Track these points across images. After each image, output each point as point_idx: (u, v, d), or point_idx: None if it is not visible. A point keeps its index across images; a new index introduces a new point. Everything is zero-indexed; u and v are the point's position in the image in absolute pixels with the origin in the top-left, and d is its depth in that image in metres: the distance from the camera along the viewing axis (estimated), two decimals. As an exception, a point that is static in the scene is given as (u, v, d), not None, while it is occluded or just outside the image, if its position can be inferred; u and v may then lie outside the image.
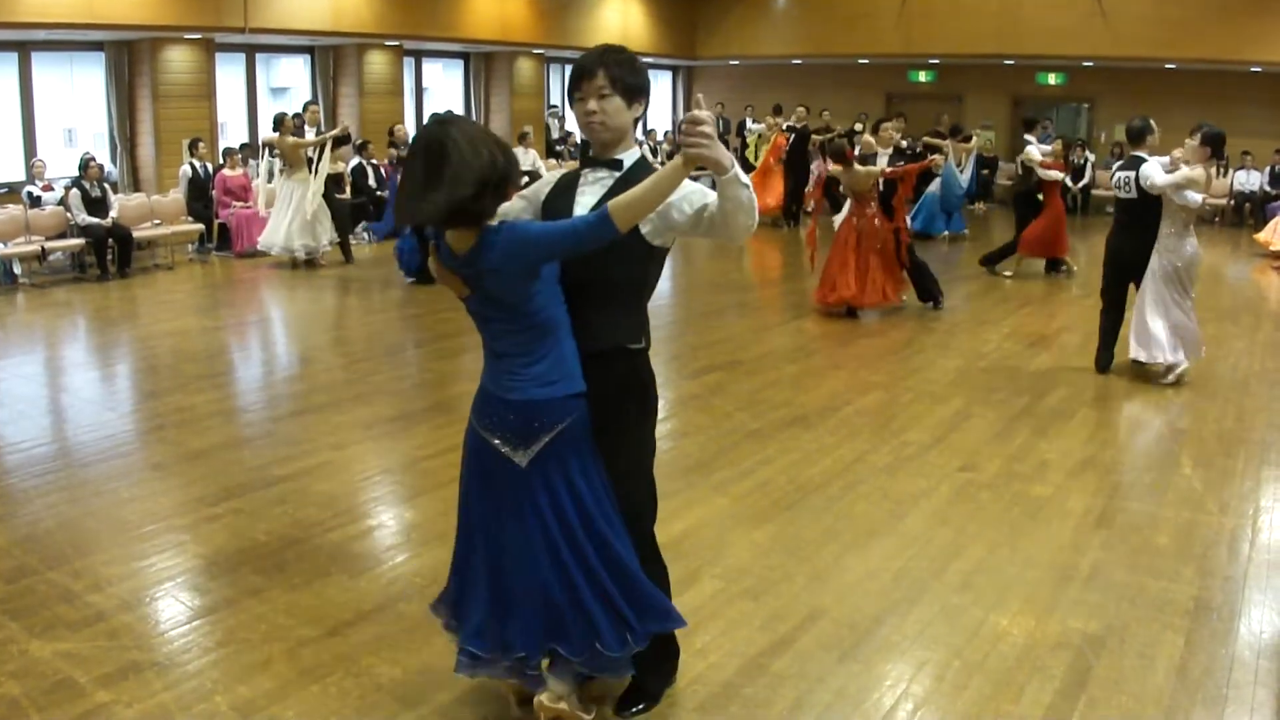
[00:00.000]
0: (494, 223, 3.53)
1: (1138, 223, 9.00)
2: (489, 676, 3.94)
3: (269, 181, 15.20)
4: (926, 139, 18.96)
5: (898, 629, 4.75)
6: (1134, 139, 9.15)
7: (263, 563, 5.38)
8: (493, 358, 3.76)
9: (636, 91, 3.79)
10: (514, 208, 3.91)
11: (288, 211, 14.52)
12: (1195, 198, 8.54)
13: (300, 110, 15.42)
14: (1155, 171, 8.69)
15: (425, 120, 3.59)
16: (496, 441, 3.71)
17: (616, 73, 3.70)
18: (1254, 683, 4.33)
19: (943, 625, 4.79)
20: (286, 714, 4.05)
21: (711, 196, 3.61)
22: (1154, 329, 8.91)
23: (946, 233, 18.47)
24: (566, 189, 3.90)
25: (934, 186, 18.25)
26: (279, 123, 14.34)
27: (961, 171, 18.29)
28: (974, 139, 19.18)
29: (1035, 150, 14.31)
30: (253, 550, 5.53)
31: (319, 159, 14.66)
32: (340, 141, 15.59)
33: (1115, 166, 9.45)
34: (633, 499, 3.93)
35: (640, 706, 4.11)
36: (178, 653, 4.49)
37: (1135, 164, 8.91)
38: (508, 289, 3.55)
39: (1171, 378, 8.89)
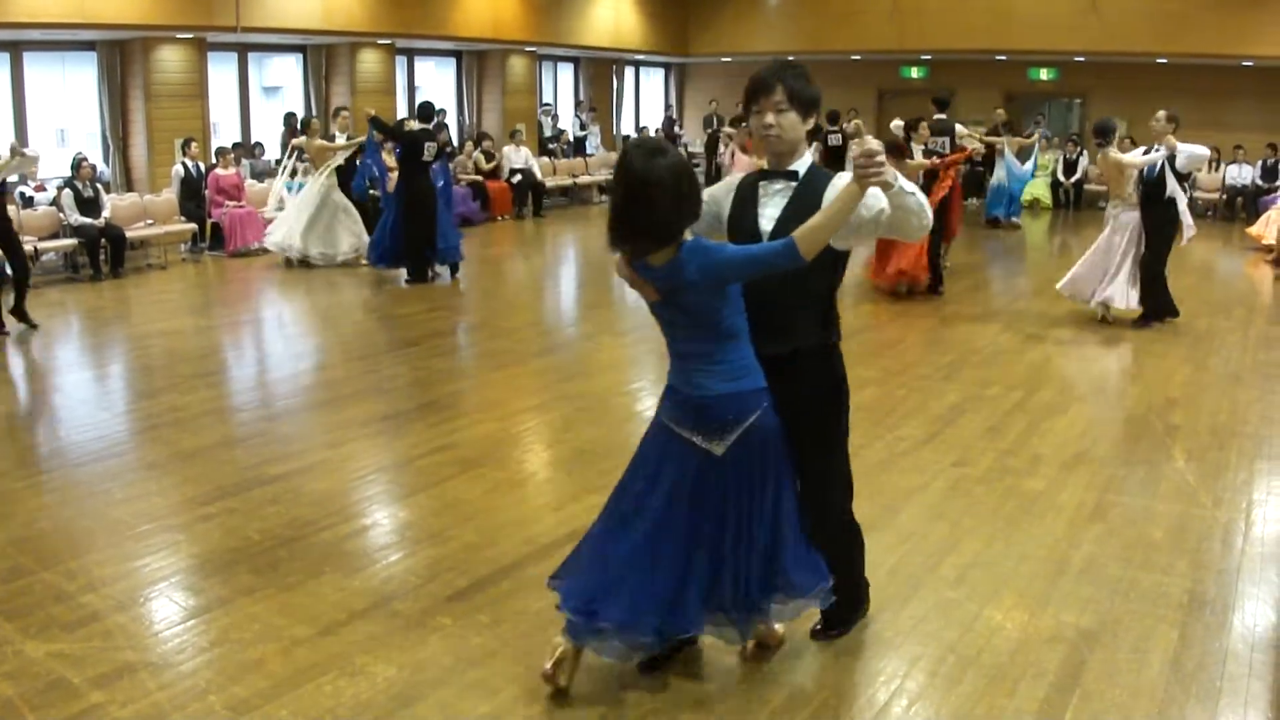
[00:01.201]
0: (687, 238, 3.83)
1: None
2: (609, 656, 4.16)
3: (289, 181, 15.15)
4: (985, 136, 19.32)
5: (892, 624, 4.75)
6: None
7: (256, 562, 5.38)
8: (677, 358, 4.14)
9: (811, 105, 4.05)
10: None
11: (306, 214, 14.44)
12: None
13: (308, 114, 15.37)
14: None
15: (628, 147, 3.86)
16: (695, 437, 4.03)
17: (794, 87, 3.95)
18: (1248, 676, 4.34)
19: (937, 620, 4.79)
20: (280, 713, 4.05)
21: (884, 200, 3.86)
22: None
23: (1003, 219, 19.63)
24: (748, 202, 4.18)
25: (999, 176, 19.47)
26: (306, 125, 14.27)
27: (1023, 164, 19.83)
28: (1033, 134, 20.72)
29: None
30: (246, 550, 5.53)
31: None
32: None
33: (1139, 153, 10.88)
34: (841, 479, 4.47)
35: (835, 631, 4.57)
36: (172, 653, 4.49)
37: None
38: (699, 302, 3.88)
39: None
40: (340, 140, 14.88)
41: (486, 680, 4.27)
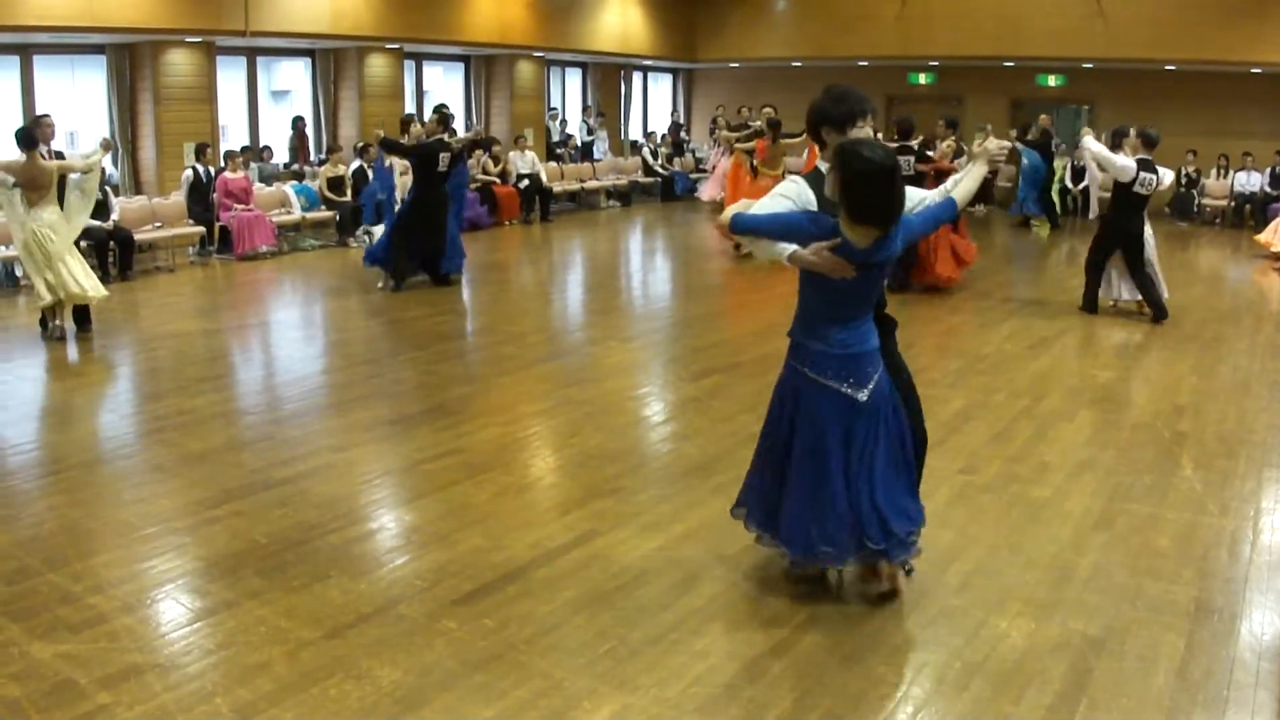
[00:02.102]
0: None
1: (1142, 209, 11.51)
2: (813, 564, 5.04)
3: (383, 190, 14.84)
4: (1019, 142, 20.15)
5: (898, 631, 4.75)
6: (1151, 144, 11.38)
7: (263, 565, 5.38)
8: (837, 324, 4.76)
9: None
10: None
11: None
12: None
13: (409, 113, 15.25)
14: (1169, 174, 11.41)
15: (848, 148, 4.55)
16: (844, 388, 4.75)
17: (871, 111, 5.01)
18: (1255, 685, 4.33)
19: (943, 627, 4.79)
20: (286, 716, 4.05)
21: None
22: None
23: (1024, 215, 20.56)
24: None
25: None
26: (406, 125, 13.85)
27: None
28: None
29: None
30: (253, 552, 5.53)
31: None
32: (476, 146, 15.60)
33: (1139, 166, 11.27)
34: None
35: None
36: (178, 655, 4.50)
37: (1153, 167, 11.21)
38: (885, 271, 4.77)
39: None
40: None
41: (492, 684, 4.27)
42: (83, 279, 10.37)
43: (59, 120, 15.87)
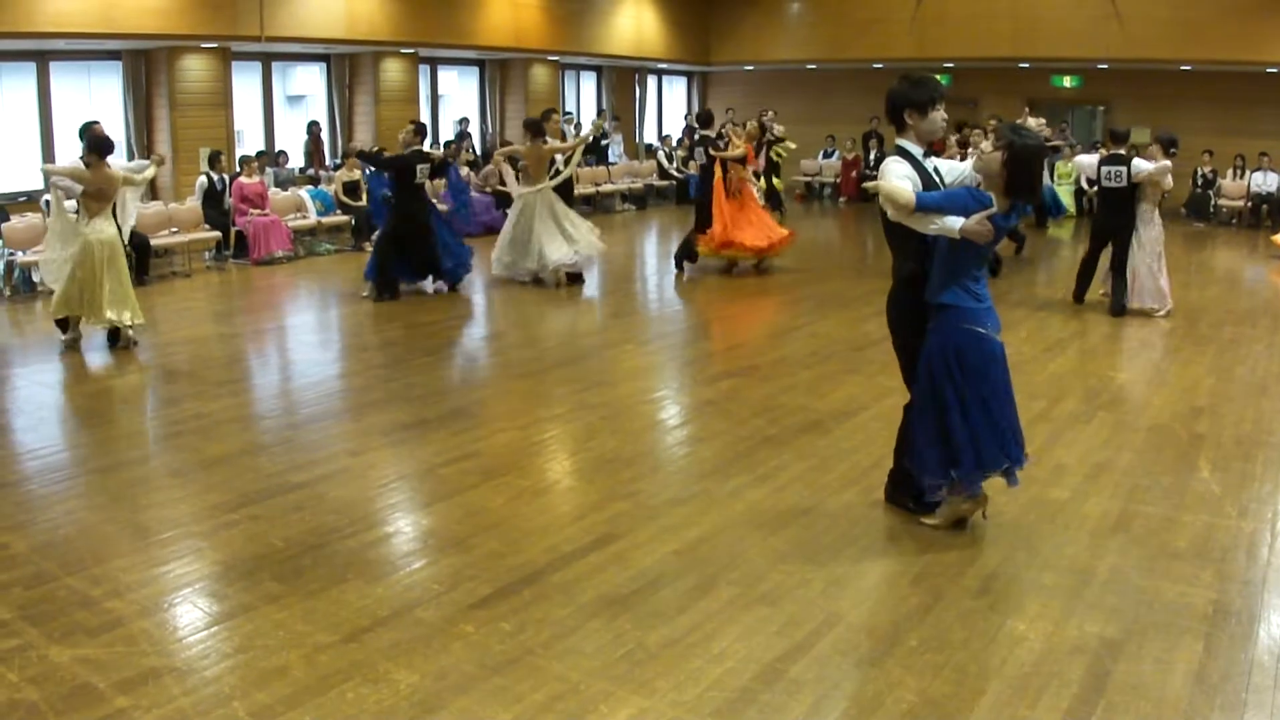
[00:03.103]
0: None
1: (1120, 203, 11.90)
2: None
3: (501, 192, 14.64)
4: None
5: (915, 634, 4.74)
6: (1120, 140, 12.11)
7: (280, 569, 5.40)
8: (977, 282, 5.59)
9: None
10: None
11: (534, 229, 13.69)
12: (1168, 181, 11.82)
13: (548, 110, 15.19)
14: (1144, 165, 11.70)
15: (1012, 130, 5.47)
16: (996, 334, 5.62)
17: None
18: (1273, 688, 4.32)
19: (960, 630, 4.78)
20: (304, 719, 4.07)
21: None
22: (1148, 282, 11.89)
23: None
24: (921, 168, 5.64)
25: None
26: (537, 127, 13.78)
27: None
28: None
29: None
30: (270, 556, 5.55)
31: (567, 166, 14.34)
32: (593, 146, 15.75)
33: (1101, 162, 12.11)
34: None
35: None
36: (196, 658, 4.51)
37: (1123, 160, 11.76)
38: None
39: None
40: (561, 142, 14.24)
41: (509, 688, 4.28)
42: (117, 308, 10.02)
43: (74, 127, 15.99)
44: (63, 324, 10.40)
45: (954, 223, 5.27)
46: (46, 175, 10.14)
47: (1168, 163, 11.80)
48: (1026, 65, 23.18)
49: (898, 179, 5.45)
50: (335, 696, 4.22)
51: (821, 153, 25.96)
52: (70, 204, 10.42)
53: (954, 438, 5.58)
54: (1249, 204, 21.13)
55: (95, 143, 10.02)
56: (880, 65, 24.51)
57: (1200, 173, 21.35)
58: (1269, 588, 5.27)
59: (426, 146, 13.53)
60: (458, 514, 6.16)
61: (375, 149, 17.71)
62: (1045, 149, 5.38)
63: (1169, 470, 6.94)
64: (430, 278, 13.37)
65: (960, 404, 5.56)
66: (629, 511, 6.16)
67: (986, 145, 14.27)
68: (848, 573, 5.39)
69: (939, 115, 5.61)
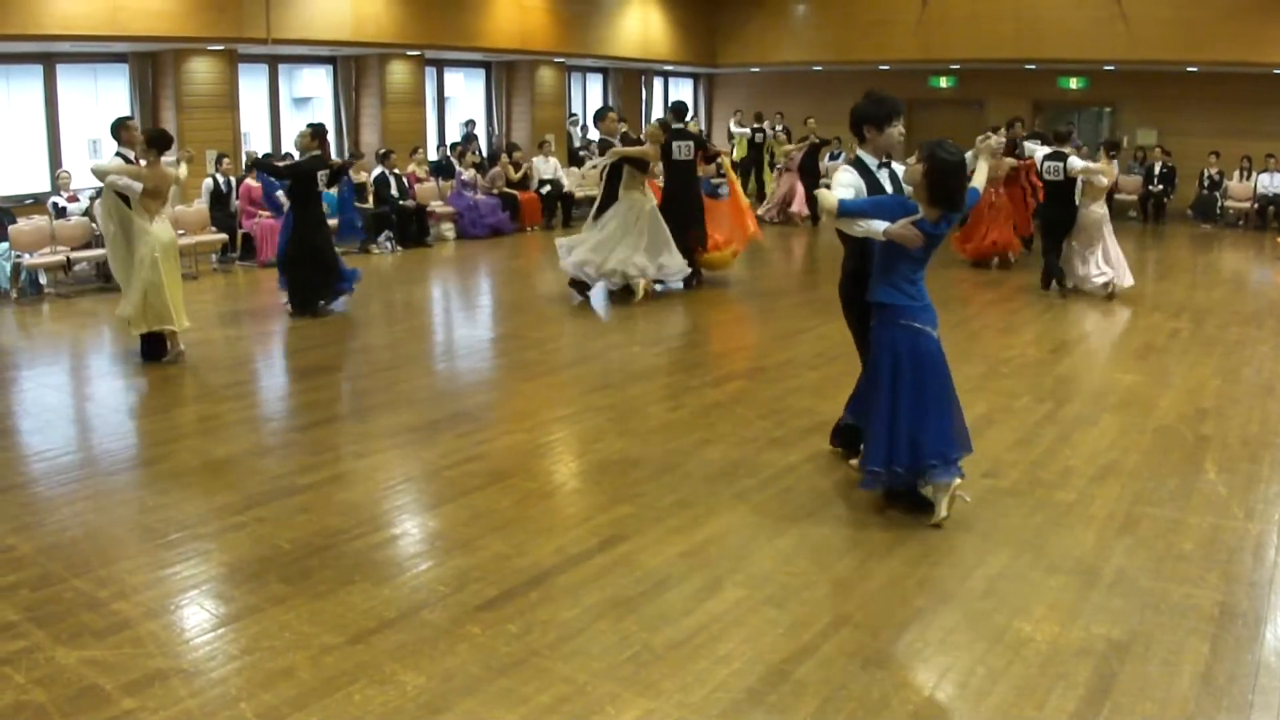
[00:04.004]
0: None
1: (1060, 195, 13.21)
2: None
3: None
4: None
5: (921, 635, 4.74)
6: (1062, 140, 13.67)
7: (286, 571, 5.40)
8: (915, 284, 6.04)
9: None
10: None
11: (628, 234, 12.72)
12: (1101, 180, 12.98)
13: (605, 105, 15.05)
14: (1077, 162, 12.94)
15: (934, 147, 5.86)
16: (935, 332, 6.07)
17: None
18: (1280, 689, 4.32)
19: (966, 631, 4.78)
20: (310, 721, 4.08)
21: None
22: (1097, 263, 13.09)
23: None
24: (870, 175, 6.26)
25: None
26: (601, 116, 13.09)
27: None
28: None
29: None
30: (276, 558, 5.56)
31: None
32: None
33: (1044, 158, 13.42)
34: None
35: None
36: (202, 660, 4.52)
37: (1063, 157, 13.04)
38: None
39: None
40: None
41: (515, 689, 4.28)
42: (179, 309, 9.78)
43: (81, 129, 16.04)
44: (153, 341, 9.86)
45: (878, 226, 5.82)
46: (102, 175, 9.60)
47: (1096, 165, 13.12)
48: (1032, 67, 23.14)
49: (838, 186, 6.08)
50: (342, 698, 4.22)
51: (828, 155, 25.92)
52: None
53: (896, 433, 5.99)
54: (1255, 205, 21.08)
55: (157, 138, 9.76)
56: (886, 67, 24.53)
57: (1206, 174, 21.33)
58: (1275, 589, 5.26)
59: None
60: (464, 516, 6.16)
61: (384, 151, 17.77)
62: (963, 164, 5.87)
63: (1175, 472, 6.93)
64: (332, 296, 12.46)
65: (900, 402, 6.00)
66: (635, 513, 6.17)
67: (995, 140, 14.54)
68: (854, 575, 5.39)
69: (896, 131, 6.27)
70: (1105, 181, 13.01)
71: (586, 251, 12.63)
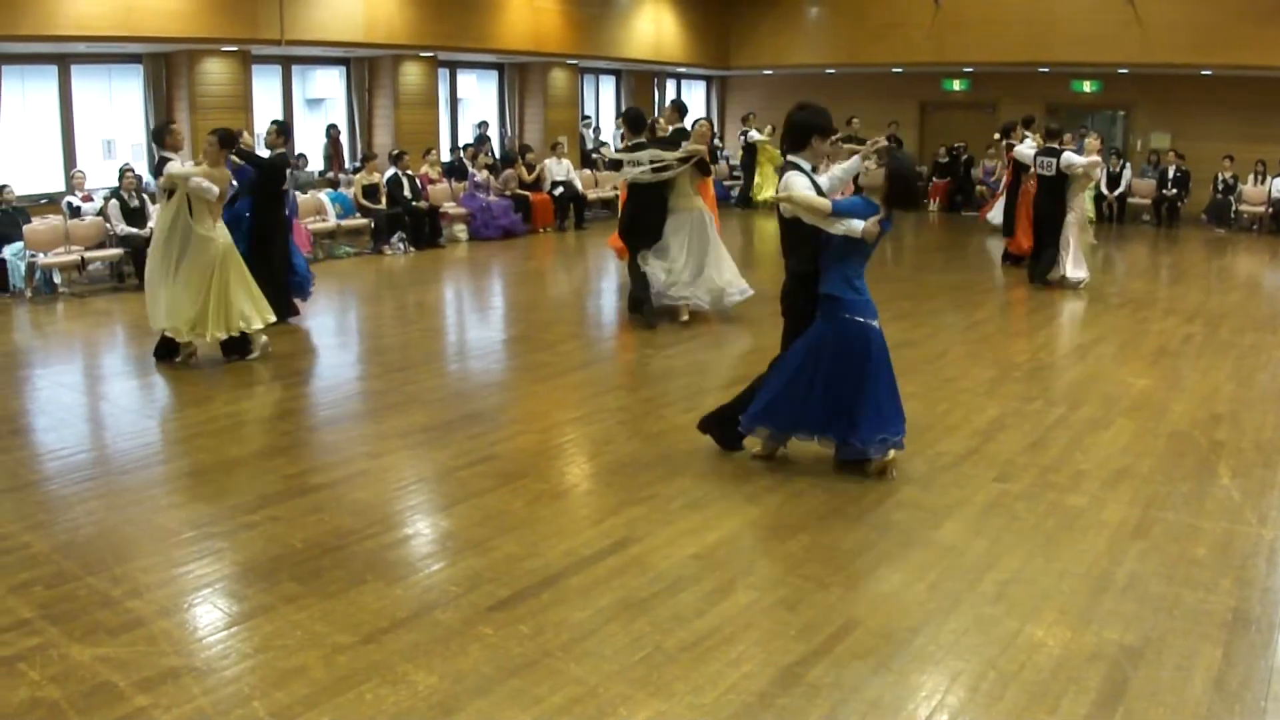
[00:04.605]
0: None
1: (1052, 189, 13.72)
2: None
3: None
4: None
5: (933, 639, 4.74)
6: (1053, 137, 14.01)
7: (299, 570, 5.42)
8: (860, 278, 6.64)
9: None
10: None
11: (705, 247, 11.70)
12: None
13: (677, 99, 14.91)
14: (1075, 159, 13.47)
15: (896, 152, 6.98)
16: (876, 323, 6.63)
17: None
18: (1293, 695, 4.30)
19: (977, 636, 4.78)
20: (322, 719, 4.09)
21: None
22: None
23: None
24: (810, 178, 6.66)
25: None
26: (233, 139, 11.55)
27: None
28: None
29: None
30: (289, 558, 5.57)
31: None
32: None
33: (1037, 153, 14.09)
34: None
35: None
36: (215, 658, 4.53)
37: (1056, 153, 13.62)
38: None
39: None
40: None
41: (527, 690, 4.29)
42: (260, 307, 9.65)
43: (95, 130, 16.09)
44: (236, 344, 9.74)
45: (858, 225, 6.32)
46: (184, 179, 9.16)
47: (1098, 158, 14.27)
48: (1046, 70, 23.11)
49: (803, 189, 6.49)
50: (354, 697, 4.23)
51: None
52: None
53: (802, 405, 6.67)
54: (1270, 210, 20.98)
55: (229, 138, 9.62)
56: (899, 69, 24.54)
57: (1221, 178, 21.25)
58: (1289, 595, 5.26)
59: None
60: (476, 517, 6.17)
61: (397, 152, 17.79)
62: (915, 170, 6.74)
63: (1189, 477, 6.92)
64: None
65: (815, 383, 6.62)
66: (647, 515, 6.17)
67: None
68: (865, 578, 5.39)
69: (831, 140, 6.92)
70: (1099, 173, 13.80)
71: (684, 274, 11.49)
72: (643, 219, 11.61)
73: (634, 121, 12.12)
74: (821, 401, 6.63)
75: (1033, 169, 14.15)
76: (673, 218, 11.53)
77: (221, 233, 9.53)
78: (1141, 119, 23.70)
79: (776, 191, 6.72)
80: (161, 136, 9.82)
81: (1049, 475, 6.88)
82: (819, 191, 6.60)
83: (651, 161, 11.20)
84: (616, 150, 12.87)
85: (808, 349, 6.65)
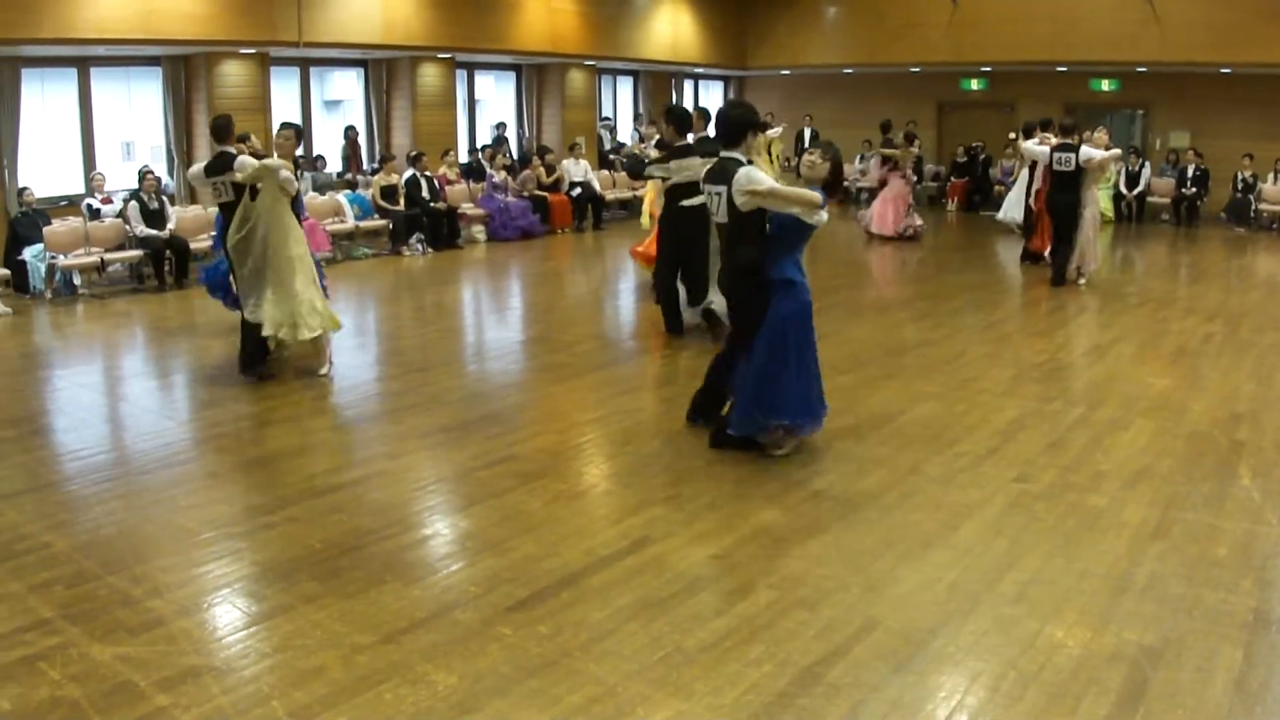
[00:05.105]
0: None
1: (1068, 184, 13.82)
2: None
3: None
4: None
5: (952, 640, 4.73)
6: (1068, 133, 14.02)
7: (318, 570, 5.43)
8: (800, 262, 7.09)
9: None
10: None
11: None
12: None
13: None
14: (1094, 153, 13.58)
15: (829, 144, 7.23)
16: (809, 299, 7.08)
17: None
18: (1315, 696, 4.28)
19: (997, 636, 4.76)
20: (341, 719, 4.10)
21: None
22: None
23: None
24: None
25: None
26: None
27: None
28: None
29: None
30: (308, 557, 5.58)
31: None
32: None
33: (1053, 149, 13.98)
34: None
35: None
36: (235, 658, 4.55)
37: (1073, 148, 13.68)
38: None
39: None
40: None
41: (546, 690, 4.29)
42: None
43: (114, 132, 16.15)
44: (258, 347, 9.33)
45: (824, 214, 6.88)
46: (274, 170, 8.79)
47: (1117, 150, 14.48)
48: (1064, 69, 23.04)
49: (766, 182, 6.85)
50: (373, 697, 4.24)
51: (858, 157, 25.90)
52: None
53: (786, 388, 6.98)
54: (1290, 208, 20.90)
55: (301, 132, 9.30)
56: (917, 69, 24.48)
57: (1240, 177, 21.14)
58: (1311, 596, 5.23)
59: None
60: (495, 517, 6.18)
61: (415, 153, 17.81)
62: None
63: (1209, 477, 6.89)
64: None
65: (793, 363, 6.97)
66: (666, 515, 6.17)
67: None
68: (885, 578, 5.38)
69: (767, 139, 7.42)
70: (1115, 168, 14.05)
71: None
72: (688, 249, 10.67)
73: (681, 122, 10.81)
74: (796, 376, 6.99)
75: (1042, 165, 14.18)
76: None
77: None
78: (1160, 118, 23.60)
79: (737, 186, 6.85)
80: (228, 131, 9.34)
81: (1068, 475, 6.86)
82: None
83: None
84: (649, 156, 12.04)
85: (774, 333, 6.96)
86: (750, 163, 7.09)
